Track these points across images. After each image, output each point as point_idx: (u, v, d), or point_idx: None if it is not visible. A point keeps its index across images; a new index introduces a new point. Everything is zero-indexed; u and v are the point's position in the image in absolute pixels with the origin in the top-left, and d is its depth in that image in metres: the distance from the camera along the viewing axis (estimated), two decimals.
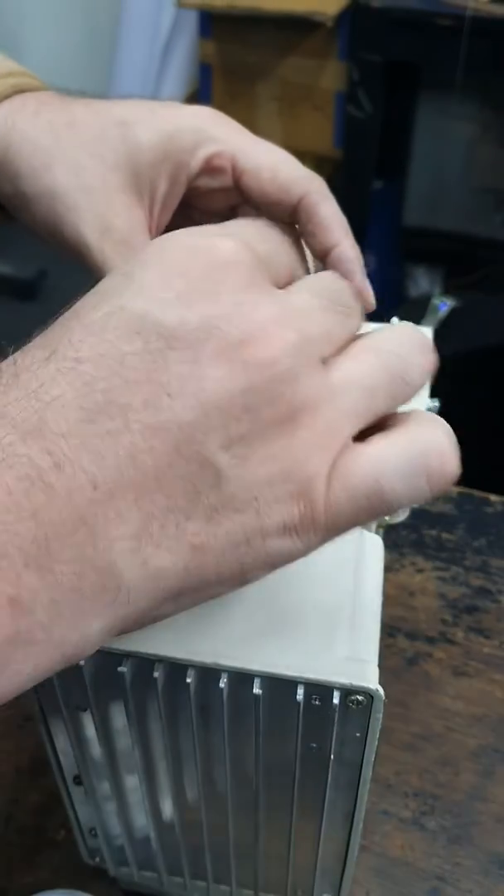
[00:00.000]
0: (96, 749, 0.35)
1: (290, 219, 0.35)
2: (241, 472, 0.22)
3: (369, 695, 0.29)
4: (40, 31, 2.10)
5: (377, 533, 0.40)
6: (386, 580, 0.35)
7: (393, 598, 0.63)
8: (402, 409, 0.26)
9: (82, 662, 0.31)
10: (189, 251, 0.24)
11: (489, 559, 0.66)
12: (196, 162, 0.36)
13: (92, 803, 0.39)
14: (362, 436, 0.24)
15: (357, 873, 0.46)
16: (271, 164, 0.35)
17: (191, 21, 1.81)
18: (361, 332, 0.26)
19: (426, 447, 0.24)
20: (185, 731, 0.33)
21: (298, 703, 0.30)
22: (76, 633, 0.22)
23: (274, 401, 0.22)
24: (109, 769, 0.36)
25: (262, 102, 1.75)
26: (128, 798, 0.38)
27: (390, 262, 1.88)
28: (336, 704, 0.29)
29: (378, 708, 0.29)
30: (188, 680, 0.30)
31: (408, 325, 0.26)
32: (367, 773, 0.32)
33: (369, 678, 0.29)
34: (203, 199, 0.37)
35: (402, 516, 0.46)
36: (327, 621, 0.31)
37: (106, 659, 0.31)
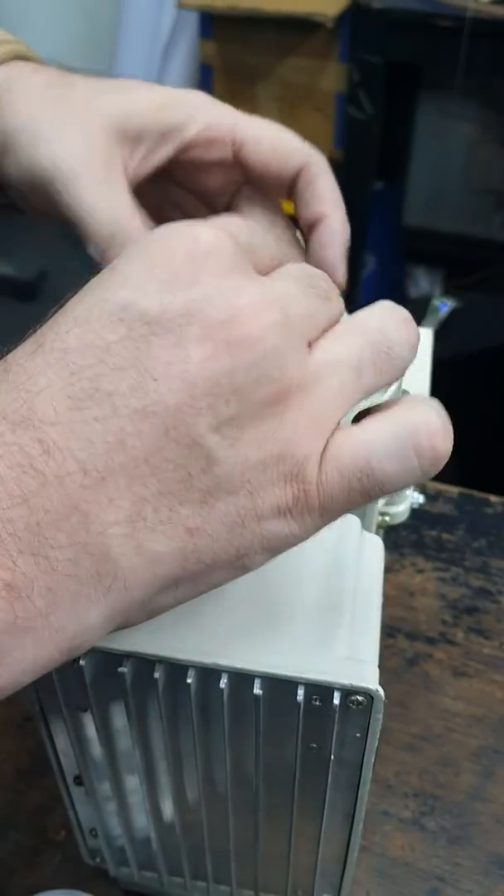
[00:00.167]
0: (97, 749, 0.35)
1: (287, 194, 0.35)
2: (232, 454, 0.23)
3: (369, 695, 0.29)
4: (40, 32, 2.10)
5: (377, 533, 0.40)
6: (386, 581, 0.36)
7: (393, 599, 0.63)
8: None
9: (83, 663, 0.31)
10: (171, 243, 0.24)
11: (489, 560, 0.66)
12: (195, 125, 0.35)
13: (92, 803, 0.39)
14: (356, 422, 0.25)
15: (357, 874, 0.46)
16: (271, 134, 0.35)
17: (191, 22, 1.81)
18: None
19: (415, 425, 0.24)
20: (185, 732, 0.33)
21: (298, 704, 0.30)
22: (75, 621, 0.22)
23: (262, 381, 0.23)
24: (110, 769, 0.36)
25: (263, 103, 1.75)
26: (128, 798, 0.38)
27: (390, 262, 1.88)
28: (336, 705, 0.29)
29: (378, 708, 0.29)
30: (188, 680, 0.30)
31: (387, 302, 0.26)
32: (368, 773, 0.32)
33: (369, 679, 0.29)
34: (200, 177, 0.37)
35: (402, 517, 0.46)
36: (327, 622, 0.31)
37: (106, 659, 0.31)
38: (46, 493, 0.21)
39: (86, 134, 0.35)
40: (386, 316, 0.25)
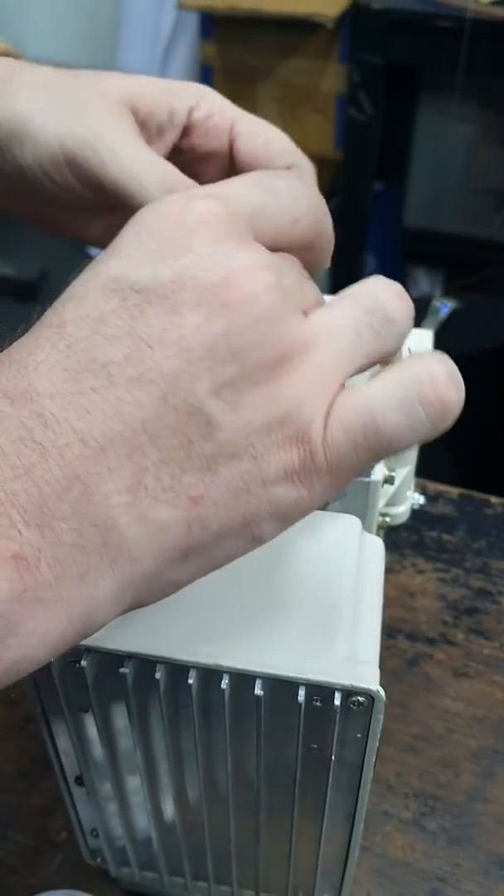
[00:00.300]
0: (98, 750, 0.35)
1: None
2: (234, 419, 0.22)
3: (370, 696, 0.29)
4: (40, 33, 2.10)
5: (378, 534, 0.40)
6: (386, 581, 0.36)
7: (393, 600, 0.63)
8: None
9: (84, 663, 0.31)
10: (163, 213, 0.24)
11: (489, 561, 0.66)
12: (199, 113, 0.36)
13: (93, 804, 0.39)
14: None
15: (357, 874, 0.46)
16: (268, 133, 0.35)
17: (192, 22, 1.81)
18: None
19: (418, 375, 0.23)
20: (186, 732, 0.33)
21: (299, 705, 0.30)
22: (84, 592, 0.22)
23: (260, 343, 0.22)
24: (111, 770, 0.36)
25: (263, 104, 1.75)
26: (129, 799, 0.38)
27: (391, 263, 1.88)
28: (337, 705, 0.29)
29: (379, 709, 0.30)
30: (189, 681, 0.30)
31: (380, 277, 0.26)
32: (368, 774, 0.32)
33: (370, 679, 0.29)
34: (195, 166, 0.38)
35: (402, 517, 0.46)
36: (328, 622, 0.31)
37: (108, 660, 0.31)
38: (47, 465, 0.21)
39: (110, 105, 0.35)
40: (380, 287, 0.25)
